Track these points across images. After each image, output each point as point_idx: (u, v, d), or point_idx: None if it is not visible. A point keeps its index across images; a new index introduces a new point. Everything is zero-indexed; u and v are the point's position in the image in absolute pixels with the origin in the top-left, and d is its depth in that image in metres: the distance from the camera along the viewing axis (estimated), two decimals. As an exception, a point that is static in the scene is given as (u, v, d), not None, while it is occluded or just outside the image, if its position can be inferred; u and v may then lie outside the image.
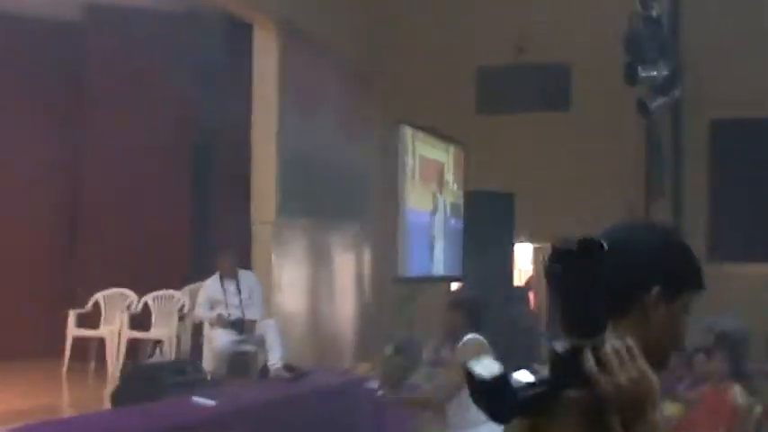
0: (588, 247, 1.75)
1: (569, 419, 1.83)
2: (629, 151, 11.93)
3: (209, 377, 7.99)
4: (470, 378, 1.72)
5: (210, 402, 7.16)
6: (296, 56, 10.66)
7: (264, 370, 8.86)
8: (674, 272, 2.11)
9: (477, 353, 5.20)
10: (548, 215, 11.72)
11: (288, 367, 8.81)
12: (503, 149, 12.14)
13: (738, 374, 7.50)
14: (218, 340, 8.77)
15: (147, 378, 7.28)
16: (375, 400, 9.26)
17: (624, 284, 1.93)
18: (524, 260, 13.62)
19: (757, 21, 11.51)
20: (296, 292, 10.84)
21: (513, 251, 11.62)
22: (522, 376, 1.76)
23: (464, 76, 12.84)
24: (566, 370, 1.74)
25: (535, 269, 13.17)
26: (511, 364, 1.81)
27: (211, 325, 8.83)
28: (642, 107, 9.25)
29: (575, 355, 1.74)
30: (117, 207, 11.19)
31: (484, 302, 5.83)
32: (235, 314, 8.98)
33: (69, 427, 5.91)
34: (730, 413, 7.19)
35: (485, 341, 5.50)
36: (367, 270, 12.55)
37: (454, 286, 12.76)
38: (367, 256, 12.54)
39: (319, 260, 11.40)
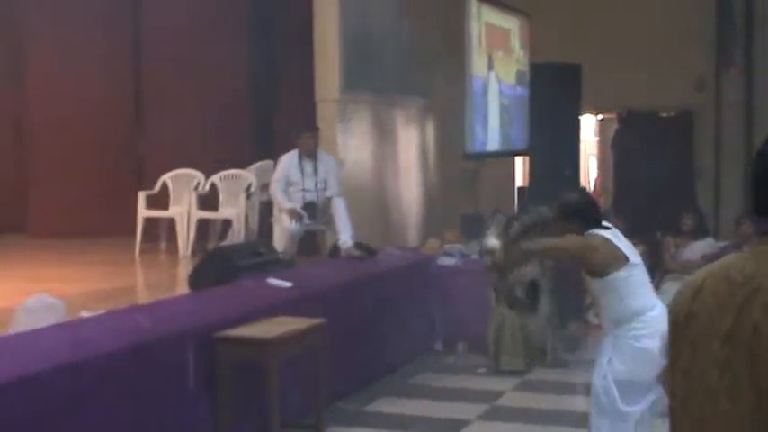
0: None
1: None
2: (698, 19, 11.57)
3: (281, 257, 8.04)
4: None
5: (287, 284, 7.26)
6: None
7: (335, 249, 8.90)
8: None
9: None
10: (615, 85, 11.50)
11: (358, 246, 8.85)
12: (569, 20, 11.80)
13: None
14: (290, 221, 8.78)
15: (222, 260, 7.35)
16: (445, 275, 9.39)
17: None
18: (588, 131, 13.43)
19: None
20: (361, 170, 10.81)
21: (579, 122, 11.44)
22: None
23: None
24: None
25: (600, 140, 12.98)
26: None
27: (291, 216, 8.74)
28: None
29: None
30: (179, 85, 11.18)
31: (595, 203, 5.55)
32: (309, 197, 8.94)
33: (152, 312, 6.01)
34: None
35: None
36: (432, 145, 12.45)
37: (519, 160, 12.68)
38: (431, 132, 12.43)
39: (384, 136, 11.32)
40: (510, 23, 10.68)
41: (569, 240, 5.17)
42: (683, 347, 1.85)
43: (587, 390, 5.37)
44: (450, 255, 9.61)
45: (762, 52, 11.61)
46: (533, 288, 6.33)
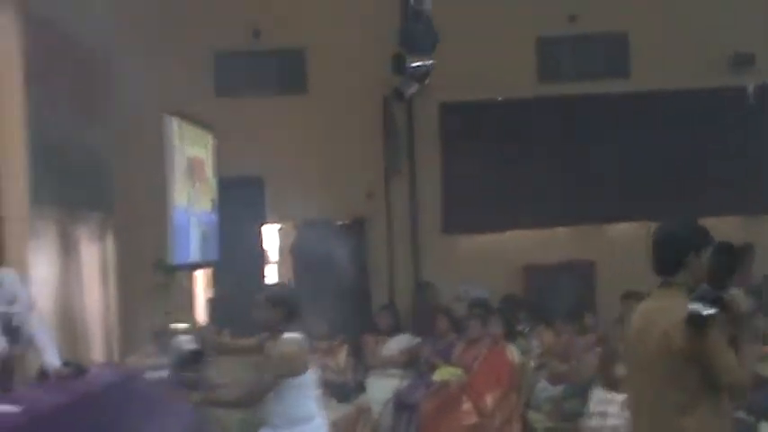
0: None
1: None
2: (367, 133, 12.53)
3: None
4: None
5: (15, 408, 6.87)
6: (38, 36, 10.18)
7: (43, 371, 8.47)
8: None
9: (300, 348, 5.46)
10: (294, 197, 12.09)
11: (67, 364, 8.53)
12: (246, 133, 12.27)
13: (511, 335, 8.35)
14: (-5, 344, 8.25)
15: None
16: (158, 391, 9.25)
17: None
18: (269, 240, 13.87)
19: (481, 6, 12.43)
20: (49, 288, 10.42)
21: (262, 233, 11.88)
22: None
23: (203, 60, 12.86)
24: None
25: (280, 247, 13.39)
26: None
27: None
28: (399, 94, 9.82)
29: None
30: None
31: (299, 298, 6.03)
32: (6, 319, 8.44)
33: None
34: (508, 371, 8.00)
35: (302, 338, 5.65)
36: (115, 260, 12.27)
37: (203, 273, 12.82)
38: (115, 246, 12.26)
39: (69, 252, 11.02)
40: (206, 150, 10.93)
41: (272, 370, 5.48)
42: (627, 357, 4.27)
43: None
44: (159, 368, 9.49)
45: (424, 163, 12.80)
46: None
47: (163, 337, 11.00)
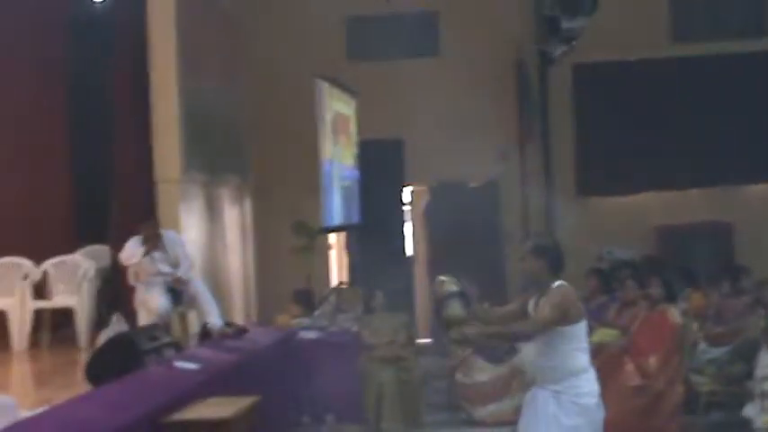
0: None
1: None
2: (500, 96, 12.50)
3: (174, 341, 7.88)
4: None
5: (194, 366, 7.15)
6: (187, 5, 10.41)
7: (205, 330, 8.78)
8: None
9: (574, 294, 5.45)
10: (430, 159, 12.18)
11: (229, 325, 8.84)
12: (382, 97, 12.36)
13: (670, 297, 8.28)
14: (159, 304, 8.56)
15: (125, 348, 7.10)
16: (307, 348, 9.52)
17: None
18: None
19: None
20: (198, 248, 10.72)
21: (402, 196, 11.99)
22: None
23: (334, 25, 13.00)
24: None
25: (413, 209, 13.48)
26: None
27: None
28: (545, 56, 9.78)
29: None
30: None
31: (561, 249, 5.89)
32: (168, 281, 8.75)
33: (96, 402, 5.77)
34: (671, 333, 7.95)
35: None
36: (254, 222, 12.59)
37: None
38: (254, 208, 12.57)
39: (215, 215, 11.33)
40: (350, 109, 11.10)
41: (546, 315, 5.34)
42: None
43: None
44: (310, 328, 9.75)
45: (557, 126, 12.75)
46: None
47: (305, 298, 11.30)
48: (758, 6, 12.95)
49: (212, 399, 6.32)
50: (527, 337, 5.79)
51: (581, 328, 5.45)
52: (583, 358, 5.46)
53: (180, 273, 8.74)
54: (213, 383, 6.91)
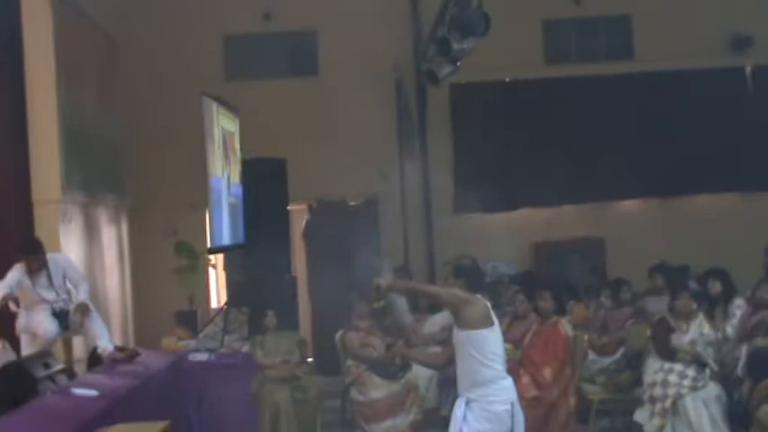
0: None
1: None
2: (380, 115, 12.59)
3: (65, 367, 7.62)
4: None
5: (92, 392, 6.94)
6: (64, 22, 10.15)
7: (94, 355, 8.51)
8: None
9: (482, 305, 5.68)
10: (312, 177, 12.18)
11: (120, 349, 8.61)
12: (262, 115, 12.28)
13: (560, 310, 8.57)
14: (45, 329, 8.24)
15: (19, 377, 6.83)
16: (197, 371, 9.35)
17: None
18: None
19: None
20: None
21: (288, 215, 11.93)
22: None
23: (212, 43, 12.88)
24: None
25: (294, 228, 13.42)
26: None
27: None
28: (431, 76, 9.94)
29: None
30: None
31: (480, 270, 6.23)
32: (57, 306, 8.44)
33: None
34: (563, 345, 8.21)
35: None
36: (132, 243, 12.30)
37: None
38: (132, 229, 12.29)
39: (93, 236, 11.03)
40: (234, 126, 11.00)
41: (455, 291, 5.78)
42: None
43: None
44: (198, 350, 9.60)
45: (435, 144, 12.98)
46: None
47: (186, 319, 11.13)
48: (625, 32, 13.52)
49: (118, 425, 6.15)
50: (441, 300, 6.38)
51: (487, 337, 5.68)
52: (493, 368, 5.67)
53: (81, 297, 8.45)
54: (115, 410, 6.73)
